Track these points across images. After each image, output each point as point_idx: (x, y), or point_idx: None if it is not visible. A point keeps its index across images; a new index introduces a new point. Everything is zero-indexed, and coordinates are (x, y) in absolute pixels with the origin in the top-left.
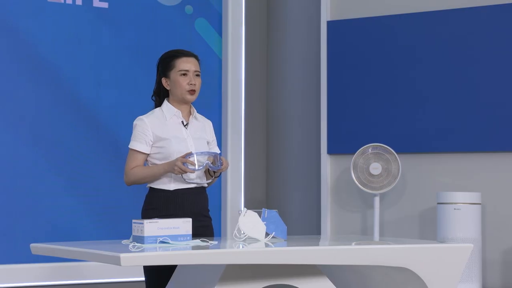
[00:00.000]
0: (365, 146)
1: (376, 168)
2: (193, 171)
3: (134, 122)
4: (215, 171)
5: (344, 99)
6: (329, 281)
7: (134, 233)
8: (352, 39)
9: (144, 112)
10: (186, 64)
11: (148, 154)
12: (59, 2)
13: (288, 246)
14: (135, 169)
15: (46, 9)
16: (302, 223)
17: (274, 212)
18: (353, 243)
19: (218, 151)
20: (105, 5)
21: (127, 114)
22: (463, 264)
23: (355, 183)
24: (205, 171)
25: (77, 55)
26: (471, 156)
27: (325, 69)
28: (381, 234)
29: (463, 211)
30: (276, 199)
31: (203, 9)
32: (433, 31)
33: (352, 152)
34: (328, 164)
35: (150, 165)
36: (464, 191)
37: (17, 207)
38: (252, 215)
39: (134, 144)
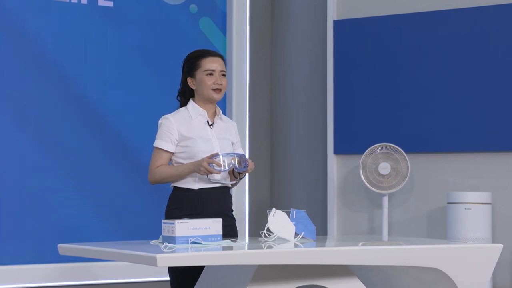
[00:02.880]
0: (373, 146)
1: (385, 168)
2: (219, 172)
3: (160, 121)
4: (240, 172)
5: (350, 99)
6: (360, 281)
7: (164, 233)
8: (358, 38)
9: (150, 110)
10: (212, 64)
11: (173, 153)
12: (64, 1)
13: (319, 246)
14: (160, 168)
15: (51, 8)
16: None
17: (303, 212)
18: (369, 243)
19: (243, 152)
20: (110, 4)
21: (132, 112)
22: (493, 264)
23: (361, 183)
24: (229, 172)
25: (83, 54)
26: (480, 155)
27: (331, 68)
28: (389, 234)
29: (473, 211)
30: (281, 200)
31: (207, 8)
32: (440, 30)
33: (359, 152)
34: (334, 164)
35: (174, 164)
36: (474, 191)
37: (23, 207)
38: (281, 215)
39: (159, 143)
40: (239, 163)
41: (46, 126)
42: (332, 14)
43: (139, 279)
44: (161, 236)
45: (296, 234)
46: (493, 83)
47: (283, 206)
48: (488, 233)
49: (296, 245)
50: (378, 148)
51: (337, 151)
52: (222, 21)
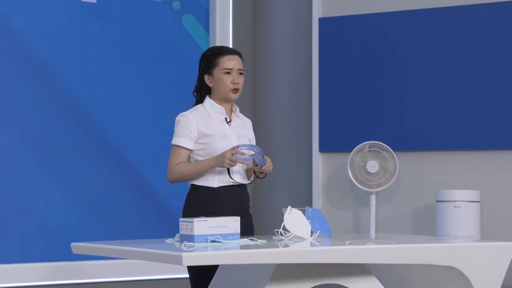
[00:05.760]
0: (362, 144)
1: (373, 166)
2: (244, 161)
3: (177, 118)
4: (261, 172)
5: (336, 97)
6: (377, 280)
7: (182, 231)
8: (344, 36)
9: (134, 107)
10: (230, 62)
11: (192, 150)
12: None
13: (336, 245)
14: (179, 165)
15: (33, 3)
16: None
17: (318, 211)
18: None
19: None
20: (93, 0)
21: (116, 109)
22: (507, 262)
23: (347, 181)
24: (247, 170)
25: (65, 50)
26: (467, 154)
27: (316, 66)
28: (376, 232)
29: (462, 209)
30: (265, 198)
31: (190, 5)
32: (426, 28)
33: (344, 150)
34: (319, 162)
35: (192, 161)
36: (462, 189)
37: (6, 206)
38: (297, 213)
39: (178, 140)
40: (259, 154)
41: (29, 124)
42: (317, 11)
43: (126, 278)
44: (177, 235)
45: (312, 233)
46: (482, 81)
47: (267, 205)
48: (476, 231)
49: (312, 244)
50: (366, 146)
51: (322, 149)
52: (205, 18)
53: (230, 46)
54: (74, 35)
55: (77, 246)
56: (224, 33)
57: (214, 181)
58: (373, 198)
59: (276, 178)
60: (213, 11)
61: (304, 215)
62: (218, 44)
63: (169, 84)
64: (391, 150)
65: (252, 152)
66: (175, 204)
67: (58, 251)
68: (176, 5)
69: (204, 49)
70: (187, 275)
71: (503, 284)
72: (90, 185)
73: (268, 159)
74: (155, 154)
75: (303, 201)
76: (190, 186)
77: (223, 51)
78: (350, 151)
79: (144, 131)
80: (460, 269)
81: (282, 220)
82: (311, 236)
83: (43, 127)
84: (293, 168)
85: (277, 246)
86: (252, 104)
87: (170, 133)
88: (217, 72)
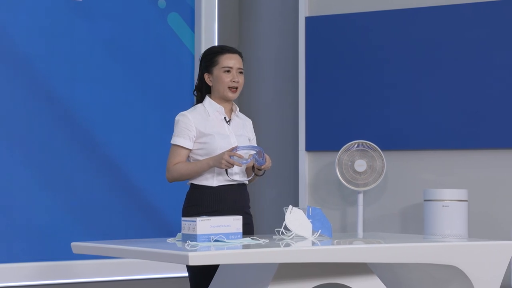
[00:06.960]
0: (350, 143)
1: (361, 165)
2: (241, 164)
3: (176, 118)
4: (259, 169)
5: (322, 96)
6: (379, 279)
7: (184, 231)
8: (331, 35)
9: (119, 105)
10: (230, 60)
11: (191, 150)
12: None
13: (338, 244)
14: (178, 165)
15: (18, 1)
16: (279, 222)
17: (319, 210)
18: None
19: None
20: None
21: (101, 108)
22: (507, 260)
23: (334, 180)
24: (247, 168)
25: (50, 48)
26: (455, 153)
27: (303, 65)
28: (363, 231)
29: (450, 208)
30: (251, 197)
31: (175, 4)
32: (413, 28)
33: (331, 149)
34: (306, 161)
35: (192, 161)
36: (449, 188)
37: None
38: (298, 212)
39: (177, 140)
40: (259, 155)
41: (13, 123)
42: (304, 10)
43: (115, 278)
44: (178, 234)
45: (313, 232)
46: (468, 80)
47: (253, 204)
48: (464, 230)
49: (314, 243)
50: (354, 145)
51: (308, 148)
52: (190, 17)
53: (216, 44)
54: (59, 33)
55: (77, 246)
56: (209, 31)
57: (213, 180)
58: (360, 197)
59: (263, 177)
60: (199, 9)
61: (305, 214)
62: (203, 43)
63: (154, 82)
64: (379, 149)
65: (252, 152)
66: (161, 203)
67: (43, 251)
68: (162, 3)
69: (190, 48)
70: (182, 274)
71: (502, 282)
72: (75, 184)
73: (267, 157)
74: (141, 152)
75: (290, 200)
76: (189, 185)
77: (223, 49)
78: (337, 150)
79: (130, 129)
80: (460, 268)
81: (270, 219)
82: (312, 235)
83: (28, 125)
84: (280, 167)
85: (280, 246)
86: (237, 103)
87: (156, 131)
88: (216, 70)
